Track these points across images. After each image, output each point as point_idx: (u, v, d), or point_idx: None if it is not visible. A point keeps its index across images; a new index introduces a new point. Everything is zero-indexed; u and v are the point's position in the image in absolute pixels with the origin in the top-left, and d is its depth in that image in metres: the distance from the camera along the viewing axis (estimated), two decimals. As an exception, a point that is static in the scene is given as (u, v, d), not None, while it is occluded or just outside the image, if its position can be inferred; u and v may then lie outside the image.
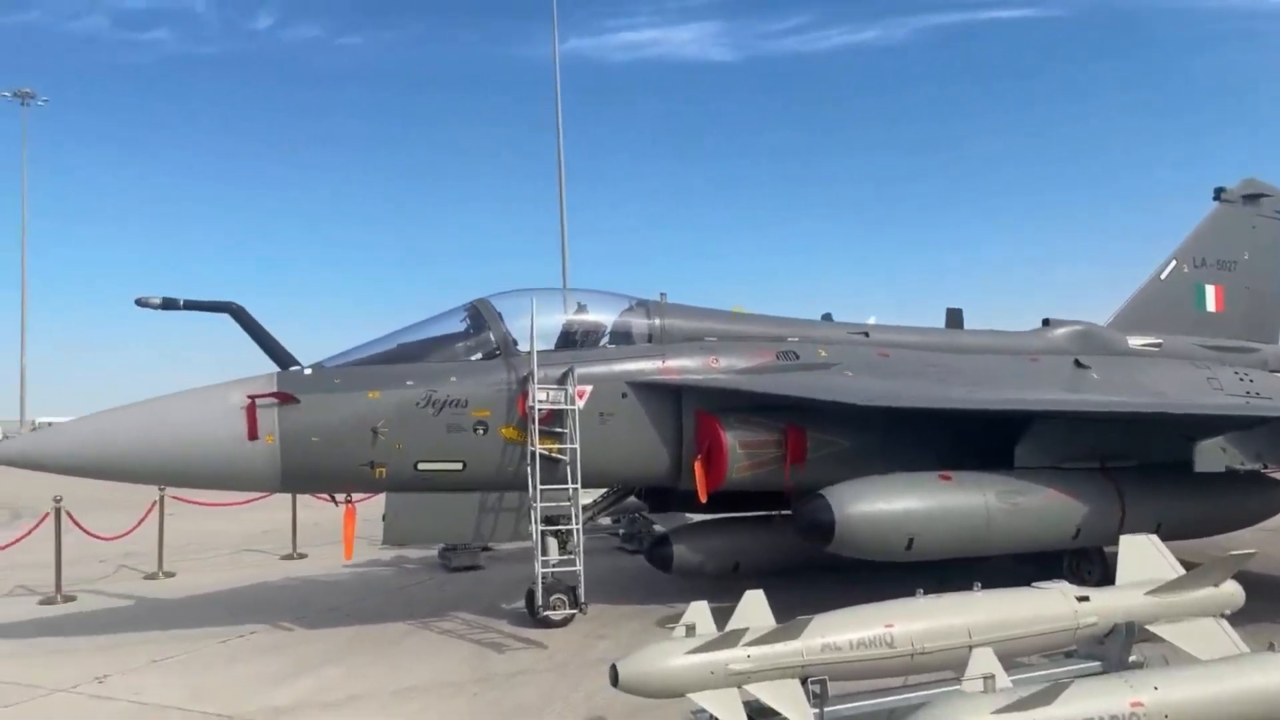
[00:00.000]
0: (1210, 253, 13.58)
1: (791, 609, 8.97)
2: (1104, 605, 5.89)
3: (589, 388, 8.68)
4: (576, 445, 8.36)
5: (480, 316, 8.91)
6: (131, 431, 7.44)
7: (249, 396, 7.63)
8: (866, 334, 10.81)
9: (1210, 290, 13.39)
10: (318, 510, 16.30)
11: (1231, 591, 6.23)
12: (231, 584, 11.91)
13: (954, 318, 11.96)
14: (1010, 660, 5.58)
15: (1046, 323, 12.26)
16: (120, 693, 7.01)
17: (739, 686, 4.85)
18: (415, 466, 8.16)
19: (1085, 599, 5.90)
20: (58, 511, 11.18)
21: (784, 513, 10.35)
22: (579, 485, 8.36)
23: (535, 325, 8.74)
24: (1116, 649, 5.88)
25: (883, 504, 7.76)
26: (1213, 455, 8.23)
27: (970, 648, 5.39)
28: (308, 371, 8.17)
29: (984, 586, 5.88)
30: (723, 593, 9.82)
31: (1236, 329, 13.45)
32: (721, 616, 9.08)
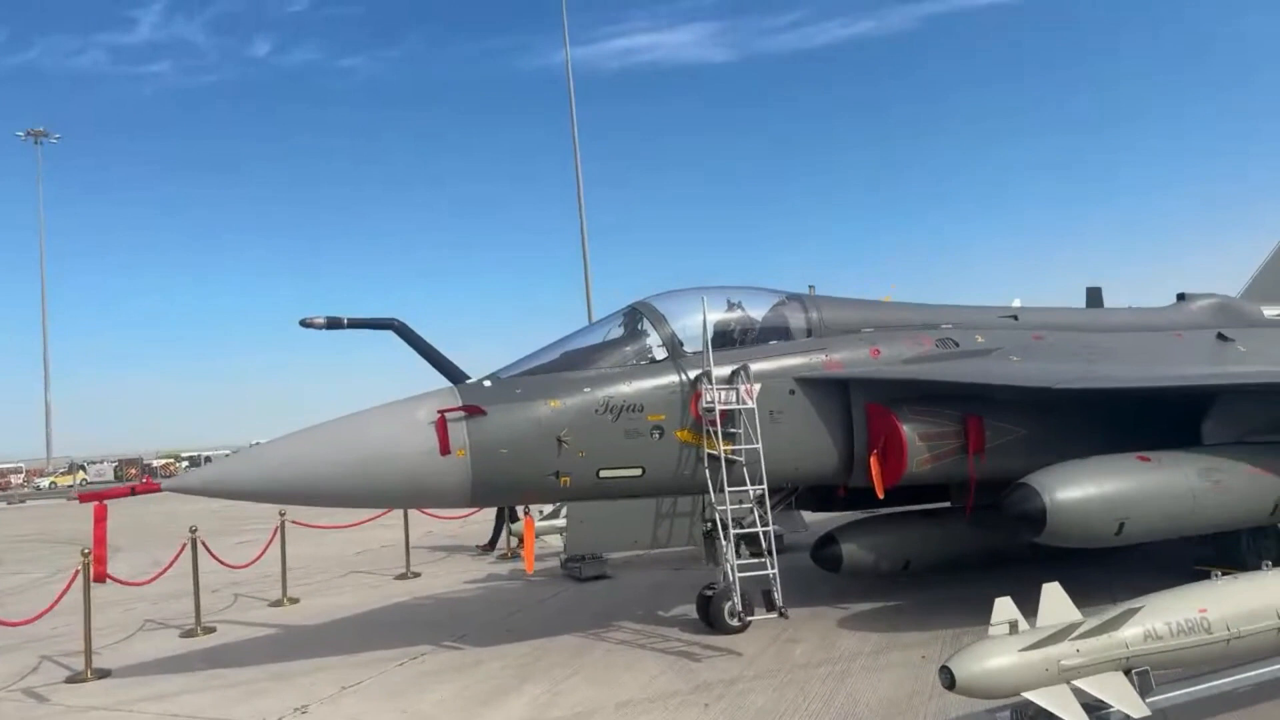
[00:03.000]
0: (1334, 219, 13.30)
1: (968, 602, 8.76)
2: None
3: (758, 386, 8.45)
4: (758, 445, 8.13)
5: (645, 319, 8.68)
6: (322, 453, 7.23)
7: (439, 411, 7.42)
8: (1015, 317, 10.55)
9: (1337, 257, 13.09)
10: (395, 529, 15.96)
11: None
12: (363, 606, 11.70)
13: (1094, 297, 11.68)
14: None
15: (1182, 297, 11.98)
16: (334, 722, 6.81)
17: (1068, 683, 4.62)
18: (597, 474, 7.94)
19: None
20: (194, 542, 10.96)
21: (946, 505, 10.15)
22: (765, 486, 8.13)
23: (695, 324, 8.58)
24: None
25: (1092, 488, 7.47)
26: None
27: (1282, 630, 5.17)
28: (487, 383, 7.96)
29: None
30: (889, 591, 9.58)
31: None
32: (888, 615, 8.74)
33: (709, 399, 8.15)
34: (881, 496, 8.67)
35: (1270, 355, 11.02)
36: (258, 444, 8.38)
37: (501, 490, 7.85)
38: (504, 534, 15.10)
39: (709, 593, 8.73)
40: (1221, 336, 11.21)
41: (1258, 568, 8.87)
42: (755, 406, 8.24)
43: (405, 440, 7.38)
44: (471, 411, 7.53)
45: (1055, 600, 5.02)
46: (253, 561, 12.84)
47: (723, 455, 8.01)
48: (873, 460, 8.54)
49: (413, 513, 13.69)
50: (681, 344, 8.53)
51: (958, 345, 9.60)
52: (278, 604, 12.14)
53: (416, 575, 13.87)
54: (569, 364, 8.33)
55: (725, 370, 8.38)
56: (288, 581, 12.64)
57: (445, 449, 7.36)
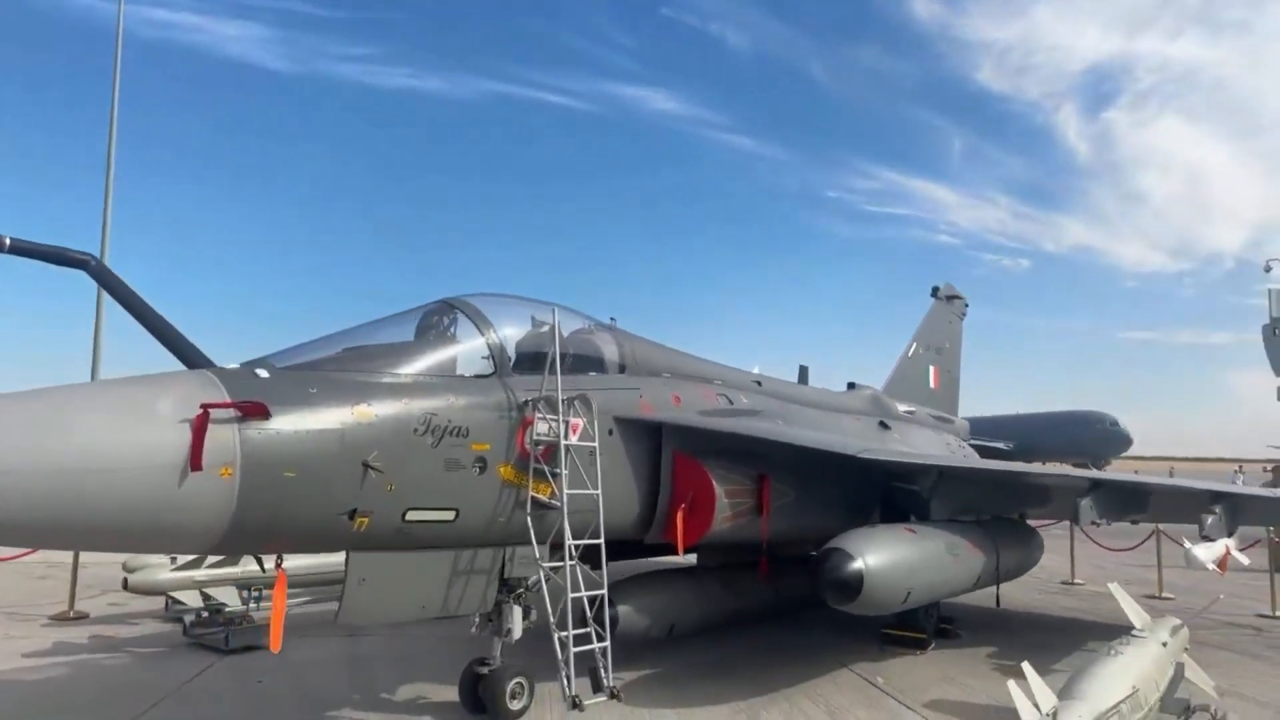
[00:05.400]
0: (931, 340, 16.44)
1: (735, 670, 8.31)
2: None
3: (581, 421, 7.20)
4: (598, 490, 6.86)
5: (468, 322, 6.86)
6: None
7: (202, 406, 4.79)
8: (759, 383, 10.74)
9: (931, 370, 16.17)
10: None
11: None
12: None
13: (803, 374, 12.54)
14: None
15: (851, 386, 13.52)
16: None
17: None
18: (404, 516, 5.89)
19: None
20: None
21: (694, 563, 9.76)
22: (603, 538, 6.83)
23: (522, 336, 7.16)
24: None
25: (890, 555, 7.64)
26: (1088, 511, 9.73)
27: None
28: (262, 373, 5.44)
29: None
30: (651, 657, 8.76)
31: (942, 404, 16.39)
32: (666, 687, 7.91)
33: (543, 430, 6.68)
34: (681, 554, 7.96)
35: (914, 443, 12.96)
36: None
37: (272, 531, 5.34)
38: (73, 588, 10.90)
39: (483, 670, 7.02)
40: (883, 424, 12.87)
41: (937, 633, 10.04)
42: (596, 444, 6.98)
43: (138, 442, 4.65)
44: (249, 411, 5.05)
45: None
46: None
47: (564, 499, 6.56)
48: (680, 515, 7.79)
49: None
50: (510, 359, 6.93)
51: (730, 403, 9.43)
52: None
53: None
54: (364, 363, 6.18)
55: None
56: None
57: (198, 462, 4.77)
